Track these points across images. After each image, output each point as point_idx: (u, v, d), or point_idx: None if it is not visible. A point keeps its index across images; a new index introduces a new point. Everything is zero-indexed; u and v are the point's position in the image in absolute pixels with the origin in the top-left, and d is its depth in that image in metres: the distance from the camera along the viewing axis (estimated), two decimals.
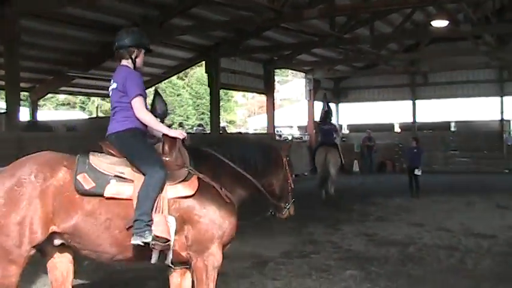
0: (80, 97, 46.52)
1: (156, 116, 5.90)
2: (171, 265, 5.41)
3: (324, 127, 18.57)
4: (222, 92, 25.94)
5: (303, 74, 31.47)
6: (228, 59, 23.94)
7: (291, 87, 43.00)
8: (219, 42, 22.92)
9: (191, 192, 5.29)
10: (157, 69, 25.39)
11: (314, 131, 26.96)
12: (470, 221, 13.60)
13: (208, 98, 25.48)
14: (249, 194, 5.81)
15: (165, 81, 33.81)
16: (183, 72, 36.03)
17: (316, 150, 18.03)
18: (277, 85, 28.90)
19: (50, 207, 4.97)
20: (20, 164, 5.20)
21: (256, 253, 9.98)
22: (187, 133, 5.81)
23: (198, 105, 49.54)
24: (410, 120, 33.27)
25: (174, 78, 41.46)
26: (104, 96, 33.04)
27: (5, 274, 4.97)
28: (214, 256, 5.35)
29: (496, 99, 31.32)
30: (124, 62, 5.71)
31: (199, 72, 44.08)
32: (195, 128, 34.14)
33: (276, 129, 28.83)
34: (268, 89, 27.26)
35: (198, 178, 5.35)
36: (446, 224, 13.14)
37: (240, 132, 32.47)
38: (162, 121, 19.06)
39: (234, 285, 7.89)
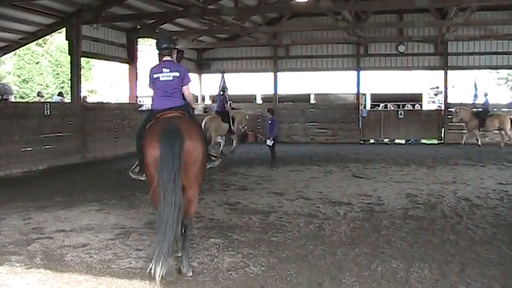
0: None
1: None
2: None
3: (220, 97, 22.64)
4: (83, 60, 25.20)
5: None
6: (90, 26, 23.16)
7: (154, 57, 42.36)
8: (81, 9, 22.10)
9: None
10: (15, 35, 24.02)
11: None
12: (328, 189, 14.16)
13: (68, 66, 24.65)
14: None
15: (23, 48, 32.29)
16: (42, 39, 34.48)
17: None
18: (140, 54, 28.37)
19: None
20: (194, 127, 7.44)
21: (120, 224, 9.92)
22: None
23: (58, 74, 47.57)
24: (272, 92, 33.89)
25: (32, 45, 39.59)
26: None
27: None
28: None
29: (353, 73, 32.58)
30: (167, 58, 7.96)
31: (59, 39, 42.39)
32: (55, 97, 32.96)
33: (138, 99, 28.47)
34: (131, 59, 26.80)
35: None
36: (305, 193, 13.59)
37: (102, 102, 31.68)
38: None
39: (97, 256, 7.81)
